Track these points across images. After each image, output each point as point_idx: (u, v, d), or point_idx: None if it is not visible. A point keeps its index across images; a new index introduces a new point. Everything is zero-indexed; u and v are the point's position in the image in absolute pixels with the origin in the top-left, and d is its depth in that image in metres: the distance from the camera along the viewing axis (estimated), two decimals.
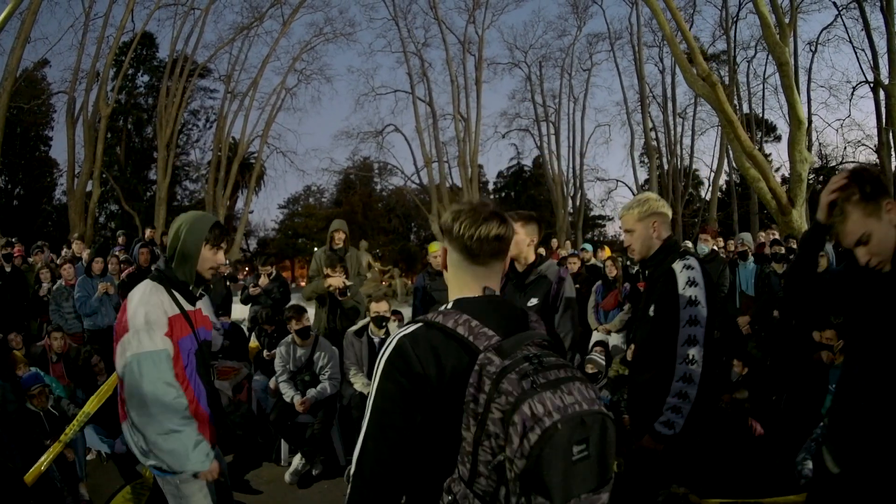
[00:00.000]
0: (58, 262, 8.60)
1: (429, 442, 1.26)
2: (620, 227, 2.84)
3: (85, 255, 8.05)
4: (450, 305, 1.38)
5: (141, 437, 2.18)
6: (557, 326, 3.30)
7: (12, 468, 3.68)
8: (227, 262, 8.18)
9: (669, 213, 2.74)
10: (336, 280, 5.27)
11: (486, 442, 1.12)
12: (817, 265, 2.05)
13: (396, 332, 1.33)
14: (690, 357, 2.43)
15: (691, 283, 2.48)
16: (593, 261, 8.62)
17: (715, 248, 6.64)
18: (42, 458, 3.79)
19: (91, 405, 3.97)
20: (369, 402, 1.28)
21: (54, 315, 6.91)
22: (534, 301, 3.31)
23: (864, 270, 1.87)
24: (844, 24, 22.52)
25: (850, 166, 1.93)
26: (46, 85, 26.87)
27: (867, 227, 1.79)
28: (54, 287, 7.21)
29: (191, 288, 2.38)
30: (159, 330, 2.19)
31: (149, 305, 2.21)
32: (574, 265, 7.51)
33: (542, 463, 1.04)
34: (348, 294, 5.38)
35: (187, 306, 2.35)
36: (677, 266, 2.54)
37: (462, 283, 1.44)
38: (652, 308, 2.61)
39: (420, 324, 1.31)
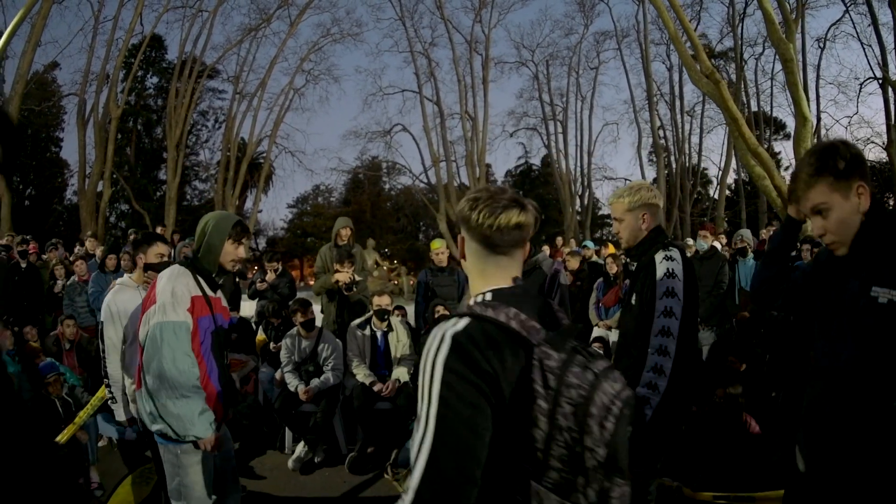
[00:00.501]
0: (71, 259, 8.79)
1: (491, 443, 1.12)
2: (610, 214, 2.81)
3: (98, 252, 8.24)
4: (488, 297, 1.28)
5: (151, 403, 2.43)
6: None
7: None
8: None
9: (661, 202, 2.74)
10: (343, 275, 5.41)
11: (558, 436, 1.09)
12: (788, 263, 2.08)
13: (442, 329, 1.17)
14: (662, 348, 2.41)
15: (670, 274, 2.47)
16: (595, 258, 8.71)
17: (715, 244, 6.70)
18: (57, 438, 3.97)
19: (104, 391, 4.11)
20: (429, 411, 1.10)
21: (68, 309, 7.09)
22: None
23: (826, 265, 1.87)
24: (852, 20, 22.34)
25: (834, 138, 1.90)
26: (57, 87, 27.08)
27: (829, 200, 1.72)
28: (68, 283, 7.40)
29: (214, 276, 2.67)
30: (183, 305, 2.47)
31: (176, 283, 2.50)
32: (574, 262, 7.58)
33: (619, 447, 1.08)
34: (354, 289, 5.50)
35: (209, 292, 2.63)
36: (658, 256, 2.54)
37: (487, 273, 1.35)
38: (634, 297, 2.63)
39: (468, 318, 1.18)
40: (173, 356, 2.38)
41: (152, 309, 2.45)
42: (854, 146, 1.75)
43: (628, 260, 7.18)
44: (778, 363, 5.18)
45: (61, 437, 4.00)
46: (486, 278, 1.35)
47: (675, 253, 2.55)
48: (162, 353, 2.37)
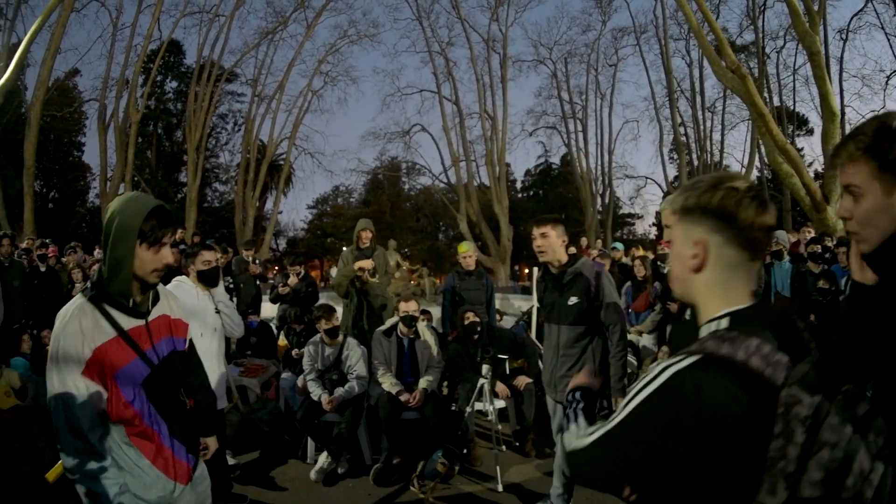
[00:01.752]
0: (89, 262, 8.79)
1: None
2: (662, 222, 2.72)
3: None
4: (724, 324, 1.07)
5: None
6: (604, 319, 3.31)
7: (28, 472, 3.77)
8: (257, 261, 8.29)
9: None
10: (366, 262, 5.33)
11: (822, 480, 0.87)
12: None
13: (668, 366, 1.02)
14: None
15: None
16: (624, 259, 8.52)
17: None
18: None
19: None
20: (618, 418, 1.06)
21: None
22: (574, 300, 3.32)
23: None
24: (875, 10, 21.79)
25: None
26: (78, 93, 27.67)
27: (865, 185, 1.40)
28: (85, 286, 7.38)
29: (131, 301, 1.93)
30: (73, 368, 1.80)
31: (64, 337, 1.82)
32: (604, 265, 7.42)
33: None
34: (376, 277, 5.40)
35: (132, 323, 1.93)
36: None
37: (732, 288, 1.11)
38: (689, 312, 2.53)
39: (699, 356, 1.00)
40: (68, 442, 1.79)
41: (47, 368, 1.84)
42: None
43: (659, 263, 6.99)
44: None
45: None
46: (729, 295, 1.11)
47: None
48: (58, 435, 1.80)
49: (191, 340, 2.26)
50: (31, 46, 12.03)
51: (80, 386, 1.79)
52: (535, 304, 7.18)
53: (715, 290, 1.12)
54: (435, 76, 26.24)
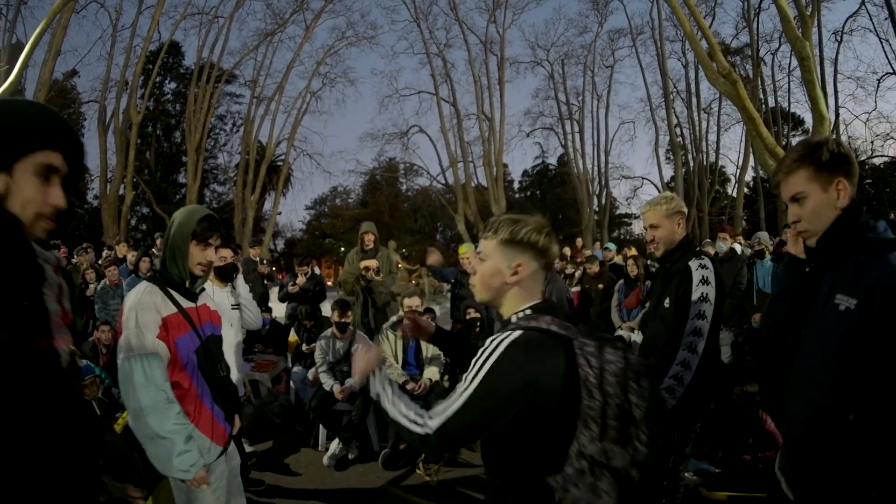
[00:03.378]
0: (101, 262, 9.06)
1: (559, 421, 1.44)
2: (643, 223, 3.06)
3: (130, 256, 8.50)
4: (528, 312, 1.56)
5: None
6: None
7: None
8: (265, 261, 8.59)
9: (684, 208, 3.00)
10: (371, 261, 5.63)
11: (610, 401, 1.37)
12: (797, 303, 1.96)
13: (501, 340, 1.45)
14: (692, 346, 2.70)
15: (704, 281, 2.76)
16: (616, 259, 8.84)
17: (734, 246, 6.82)
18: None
19: None
20: (472, 383, 1.43)
21: (101, 313, 7.35)
22: None
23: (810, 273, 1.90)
24: (868, 13, 22.06)
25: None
26: (76, 94, 27.68)
27: (807, 189, 1.77)
28: (99, 287, 7.65)
29: (187, 285, 2.37)
30: (150, 332, 2.18)
31: (140, 308, 2.21)
32: (594, 267, 7.75)
33: (653, 398, 1.43)
34: (380, 275, 5.70)
35: (186, 304, 2.36)
36: (693, 264, 2.81)
37: (531, 291, 1.61)
38: (668, 301, 2.86)
39: (521, 331, 1.46)
40: (144, 393, 2.12)
41: (120, 341, 2.19)
42: (844, 147, 1.79)
43: (649, 262, 7.31)
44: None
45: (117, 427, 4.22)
46: (531, 296, 1.60)
47: (707, 261, 2.83)
48: (133, 392, 2.12)
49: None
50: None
51: (157, 345, 2.19)
52: None
53: (522, 294, 1.61)
54: (433, 78, 26.48)
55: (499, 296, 1.63)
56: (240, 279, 4.25)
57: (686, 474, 4.11)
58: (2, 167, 1.18)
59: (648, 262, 7.37)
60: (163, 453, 2.16)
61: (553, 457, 1.43)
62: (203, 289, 2.52)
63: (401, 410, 1.54)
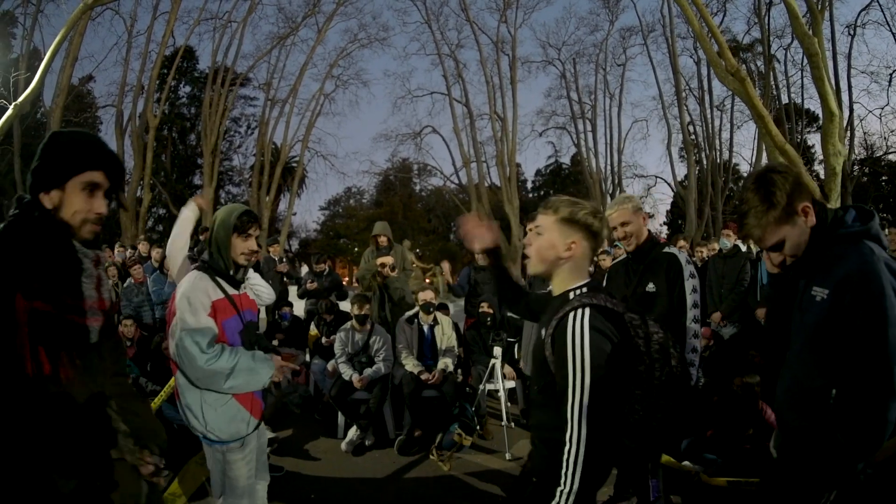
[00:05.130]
0: (125, 262, 9.34)
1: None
2: (611, 224, 3.32)
3: (154, 254, 8.78)
4: (585, 290, 1.78)
5: (192, 409, 2.50)
6: None
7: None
8: (283, 259, 8.86)
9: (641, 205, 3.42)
10: (387, 258, 5.87)
11: (656, 365, 1.69)
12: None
13: (574, 324, 1.66)
14: (696, 332, 3.17)
15: (692, 275, 3.15)
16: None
17: (738, 243, 6.91)
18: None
19: (174, 381, 4.59)
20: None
21: (126, 309, 7.61)
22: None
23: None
24: (881, 6, 21.70)
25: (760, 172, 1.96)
26: (92, 99, 27.98)
27: (781, 235, 1.88)
28: (125, 285, 7.94)
29: (231, 273, 2.61)
30: (203, 311, 2.42)
31: (193, 291, 2.45)
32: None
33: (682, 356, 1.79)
34: (395, 271, 5.93)
35: (232, 291, 2.59)
36: (681, 257, 3.17)
37: (584, 269, 1.85)
38: (651, 285, 3.18)
39: (587, 307, 1.69)
40: (204, 362, 2.32)
41: (174, 321, 2.40)
42: (787, 169, 1.92)
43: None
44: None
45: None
46: (581, 272, 1.82)
47: (688, 256, 3.28)
48: (193, 362, 2.32)
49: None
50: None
51: (208, 322, 2.43)
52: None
53: (573, 270, 1.82)
54: (445, 78, 26.55)
55: (552, 269, 1.83)
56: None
57: (686, 463, 4.31)
58: (57, 185, 1.59)
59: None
60: (235, 376, 2.37)
61: (614, 416, 1.65)
62: (248, 278, 2.79)
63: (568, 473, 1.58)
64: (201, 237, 7.25)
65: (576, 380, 1.59)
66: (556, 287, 1.85)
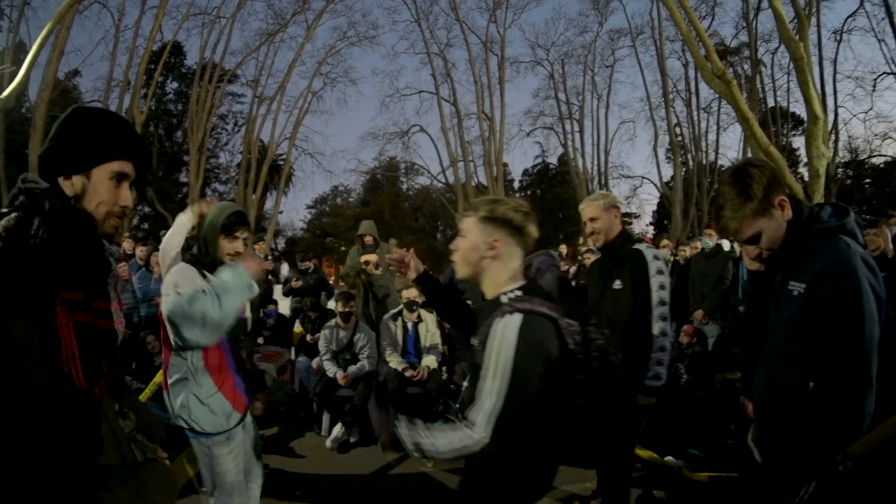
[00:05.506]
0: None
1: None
2: (583, 218, 3.34)
3: (139, 252, 8.70)
4: (519, 293, 1.73)
5: (178, 399, 2.48)
6: None
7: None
8: (269, 257, 8.84)
9: (618, 202, 3.35)
10: (371, 255, 5.86)
11: (594, 374, 1.66)
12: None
13: (504, 326, 1.63)
14: (663, 330, 3.05)
15: (660, 271, 3.08)
16: None
17: (721, 242, 7.00)
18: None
19: (160, 376, 4.56)
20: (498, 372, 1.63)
21: None
22: None
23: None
24: (867, 13, 22.17)
25: (736, 166, 1.98)
26: (78, 94, 27.59)
27: (758, 228, 1.91)
28: None
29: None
30: (191, 285, 2.33)
31: (180, 277, 2.42)
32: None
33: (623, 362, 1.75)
34: (380, 269, 5.93)
35: None
36: (648, 254, 3.12)
37: (514, 270, 1.80)
38: (619, 282, 3.15)
39: (522, 313, 1.65)
40: (199, 308, 2.08)
41: (164, 298, 2.34)
42: (763, 163, 1.94)
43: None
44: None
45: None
46: (510, 272, 1.78)
47: (659, 252, 3.20)
48: (189, 314, 2.08)
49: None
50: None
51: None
52: None
53: (501, 270, 1.77)
54: (433, 77, 26.62)
55: (478, 271, 1.78)
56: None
57: (669, 458, 4.36)
58: (82, 169, 1.41)
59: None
60: (233, 300, 2.14)
61: (555, 414, 1.67)
62: None
63: (444, 443, 1.62)
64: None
65: (493, 387, 1.57)
66: (488, 291, 1.80)
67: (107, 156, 1.43)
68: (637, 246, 3.18)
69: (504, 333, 1.59)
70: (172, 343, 2.34)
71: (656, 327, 3.03)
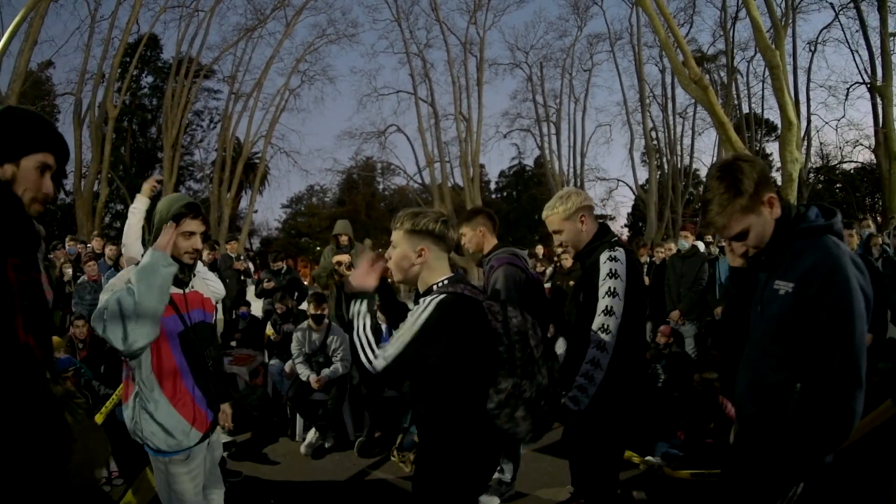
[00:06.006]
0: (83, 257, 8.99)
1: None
2: (551, 227, 2.91)
3: (108, 251, 8.47)
4: (446, 282, 1.99)
5: (131, 414, 2.34)
6: None
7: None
8: (241, 257, 8.66)
9: (592, 202, 2.89)
10: (343, 256, 5.74)
11: (516, 345, 1.90)
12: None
13: (429, 302, 1.87)
14: (601, 343, 2.54)
15: (612, 274, 2.61)
16: None
17: (696, 243, 7.05)
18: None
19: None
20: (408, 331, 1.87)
21: (77, 307, 7.32)
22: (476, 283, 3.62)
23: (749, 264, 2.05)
24: (841, 25, 22.77)
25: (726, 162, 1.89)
26: (51, 86, 27.03)
27: (746, 224, 1.85)
28: (77, 282, 7.64)
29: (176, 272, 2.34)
30: (119, 283, 2.22)
31: (118, 281, 2.26)
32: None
33: (545, 344, 2.00)
34: (353, 270, 5.81)
35: (174, 290, 2.37)
36: (603, 256, 2.66)
37: (442, 268, 2.03)
38: (582, 295, 2.79)
39: (444, 294, 1.90)
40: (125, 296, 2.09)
41: (100, 301, 2.18)
42: (754, 160, 1.87)
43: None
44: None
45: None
46: (440, 273, 2.01)
47: (619, 253, 2.67)
48: (121, 306, 2.08)
49: (214, 321, 2.75)
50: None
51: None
52: None
53: (430, 272, 2.01)
54: (412, 77, 26.69)
55: (411, 276, 2.03)
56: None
57: (649, 458, 4.34)
58: (13, 159, 1.55)
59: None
60: (146, 284, 2.13)
61: (476, 393, 1.88)
62: (195, 275, 2.58)
63: (366, 335, 1.95)
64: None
65: (398, 336, 1.85)
66: (422, 288, 2.04)
67: (33, 147, 1.57)
68: (603, 252, 2.69)
69: (424, 304, 1.85)
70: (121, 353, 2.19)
71: (594, 339, 2.57)
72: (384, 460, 4.79)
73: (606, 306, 2.58)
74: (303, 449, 4.94)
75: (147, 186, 3.36)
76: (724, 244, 6.72)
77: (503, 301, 2.01)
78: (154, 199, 3.12)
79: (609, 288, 2.59)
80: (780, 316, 1.79)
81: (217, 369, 2.65)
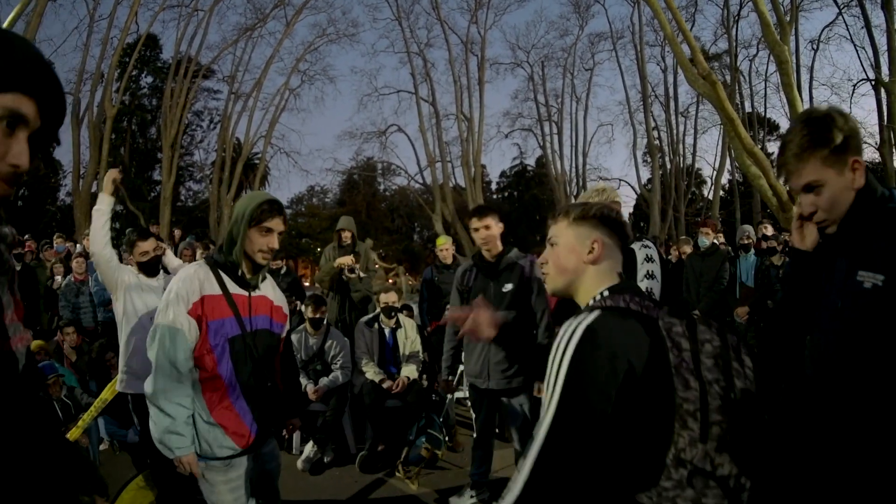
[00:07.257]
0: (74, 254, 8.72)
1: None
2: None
3: None
4: (606, 293, 1.37)
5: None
6: (534, 305, 3.50)
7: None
8: None
9: (619, 198, 3.06)
10: (346, 258, 5.44)
11: (711, 389, 1.16)
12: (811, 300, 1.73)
13: (577, 326, 1.25)
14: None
15: (648, 259, 2.88)
16: None
17: (715, 241, 6.77)
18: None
19: (108, 392, 4.09)
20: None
21: (65, 311, 7.04)
22: (509, 286, 3.51)
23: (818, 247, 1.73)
24: (845, 22, 22.45)
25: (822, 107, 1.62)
26: None
27: (822, 176, 1.55)
28: (64, 283, 7.34)
29: (240, 272, 2.27)
30: (182, 306, 2.13)
31: (183, 281, 2.18)
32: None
33: (756, 375, 1.22)
34: (356, 272, 5.51)
35: (237, 290, 2.27)
36: (636, 245, 2.90)
37: (609, 271, 1.43)
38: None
39: (598, 312, 1.27)
40: (161, 363, 2.12)
41: (160, 303, 2.19)
42: (850, 117, 1.57)
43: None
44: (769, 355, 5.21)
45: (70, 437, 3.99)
46: (609, 276, 1.42)
47: (649, 242, 2.97)
48: (155, 357, 2.14)
49: (288, 338, 2.62)
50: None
51: (185, 322, 2.14)
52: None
53: (600, 274, 1.42)
54: (413, 77, 26.44)
55: (576, 278, 1.45)
56: (170, 258, 4.22)
57: None
58: None
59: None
60: (159, 423, 2.12)
61: (645, 467, 1.17)
62: (265, 277, 2.43)
63: None
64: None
65: (549, 403, 1.19)
66: (581, 300, 1.45)
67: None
68: (635, 244, 2.97)
69: (567, 335, 1.23)
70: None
71: None
72: (389, 476, 4.48)
73: (647, 288, 2.79)
74: (300, 464, 4.63)
75: (108, 183, 3.14)
76: (746, 241, 6.42)
77: (692, 317, 1.27)
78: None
79: (648, 271, 2.85)
80: (863, 315, 1.48)
81: (287, 382, 2.60)
